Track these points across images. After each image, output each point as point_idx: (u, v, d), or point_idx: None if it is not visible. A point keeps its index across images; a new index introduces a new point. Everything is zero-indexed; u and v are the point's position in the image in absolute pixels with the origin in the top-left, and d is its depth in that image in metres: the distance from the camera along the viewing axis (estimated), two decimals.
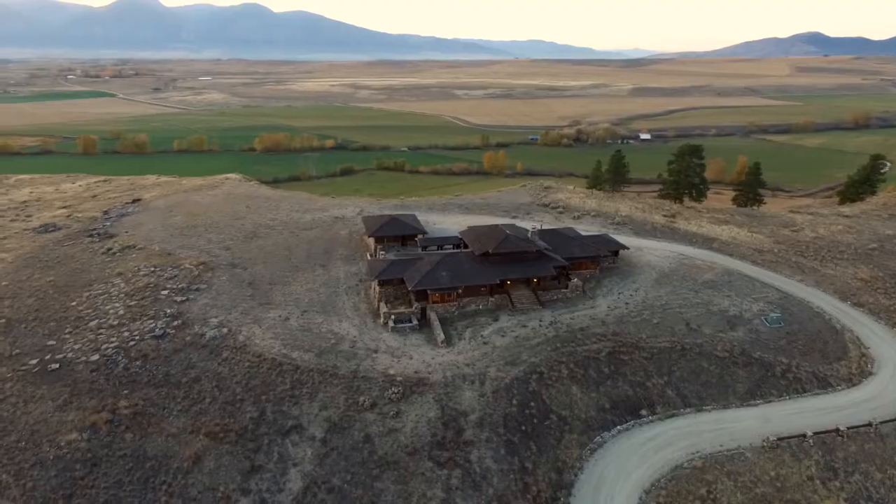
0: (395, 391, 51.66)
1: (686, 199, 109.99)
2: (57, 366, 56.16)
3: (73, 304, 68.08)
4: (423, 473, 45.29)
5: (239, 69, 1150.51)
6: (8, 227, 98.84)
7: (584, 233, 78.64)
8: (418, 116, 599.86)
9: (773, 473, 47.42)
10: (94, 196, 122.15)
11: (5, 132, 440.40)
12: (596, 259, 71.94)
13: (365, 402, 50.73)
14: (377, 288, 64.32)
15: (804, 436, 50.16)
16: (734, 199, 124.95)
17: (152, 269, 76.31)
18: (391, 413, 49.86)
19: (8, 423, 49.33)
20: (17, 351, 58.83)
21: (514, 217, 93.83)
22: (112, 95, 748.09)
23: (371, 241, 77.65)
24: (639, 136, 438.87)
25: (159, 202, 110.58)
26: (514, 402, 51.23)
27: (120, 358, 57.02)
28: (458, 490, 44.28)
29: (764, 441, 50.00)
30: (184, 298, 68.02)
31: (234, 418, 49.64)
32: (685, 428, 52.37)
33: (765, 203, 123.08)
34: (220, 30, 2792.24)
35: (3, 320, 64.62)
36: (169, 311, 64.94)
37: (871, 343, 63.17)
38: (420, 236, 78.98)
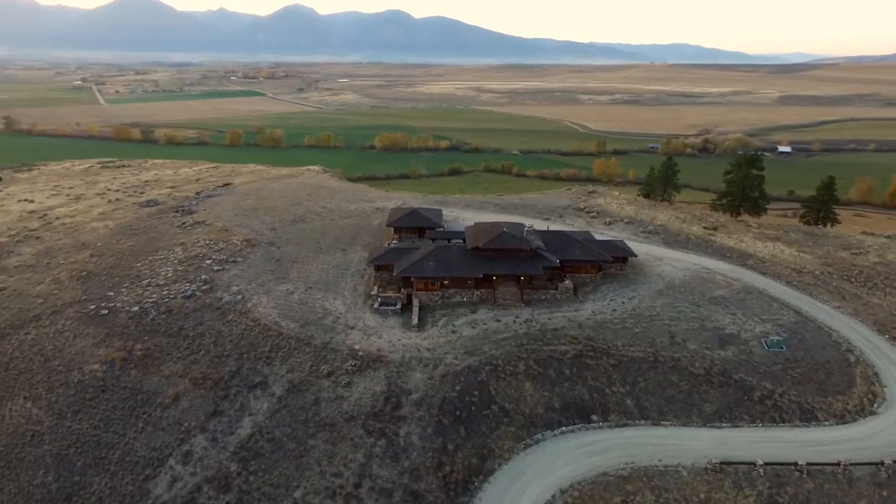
0: (353, 364, 56.32)
1: (744, 214, 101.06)
2: (106, 312, 68.32)
3: (138, 265, 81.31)
4: (352, 439, 49.45)
5: (375, 72, 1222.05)
6: (123, 201, 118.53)
7: (599, 237, 77.29)
8: (537, 120, 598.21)
9: (703, 496, 44.97)
10: (198, 179, 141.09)
11: (175, 125, 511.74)
12: (596, 263, 70.74)
13: (324, 370, 56.01)
14: (373, 272, 69.34)
15: (753, 464, 46.65)
16: (801, 217, 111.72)
17: (208, 241, 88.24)
18: (343, 382, 54.60)
19: (57, 351, 61.56)
20: (84, 297, 72.26)
21: (546, 219, 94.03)
22: (263, 95, 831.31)
23: (391, 230, 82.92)
24: (776, 149, 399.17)
25: (243, 187, 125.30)
26: (458, 388, 53.43)
27: (152, 311, 67.93)
28: (378, 458, 47.82)
29: (708, 463, 47.35)
30: (220, 268, 78.30)
31: (217, 370, 57.45)
32: (631, 439, 51.01)
33: (839, 223, 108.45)
34: (364, 35, 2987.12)
35: (85, 273, 79.28)
36: (204, 277, 75.36)
37: (892, 382, 55.82)
38: (438, 229, 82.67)
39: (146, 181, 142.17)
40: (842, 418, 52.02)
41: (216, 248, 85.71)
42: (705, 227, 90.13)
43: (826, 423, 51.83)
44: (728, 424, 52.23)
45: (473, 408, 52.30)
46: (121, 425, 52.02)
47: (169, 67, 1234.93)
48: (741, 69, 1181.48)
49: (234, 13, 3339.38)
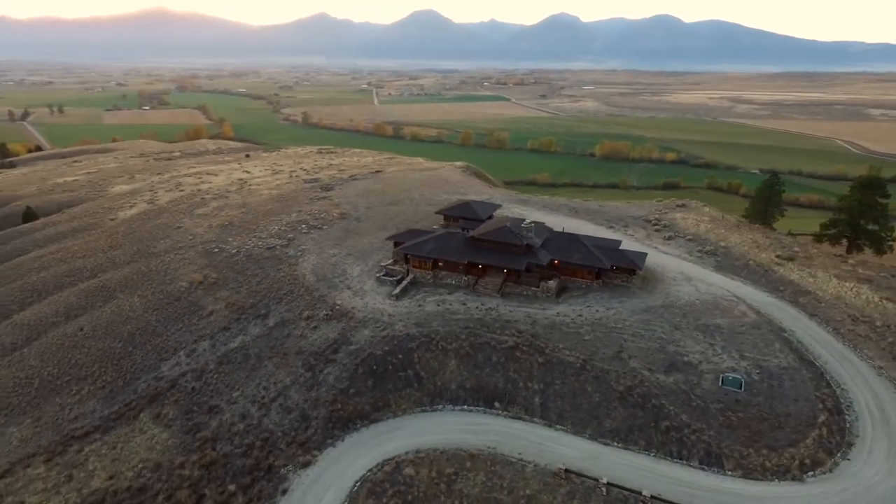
0: (327, 314, 67.77)
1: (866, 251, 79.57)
2: (216, 251, 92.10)
3: (262, 222, 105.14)
4: (290, 367, 61.03)
5: (626, 79, 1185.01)
6: (298, 178, 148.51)
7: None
8: (797, 137, 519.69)
9: (528, 493, 44.85)
10: (365, 166, 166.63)
11: (423, 124, 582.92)
12: (593, 269, 68.66)
13: (306, 314, 68.66)
14: (392, 247, 79.39)
15: (597, 481, 44.22)
16: None
17: (317, 211, 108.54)
18: (312, 326, 66.46)
19: (172, 270, 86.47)
20: (213, 239, 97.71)
21: (610, 227, 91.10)
22: (507, 100, 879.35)
23: (441, 217, 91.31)
24: None
25: (387, 175, 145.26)
26: (386, 348, 60.60)
27: (241, 254, 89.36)
28: (297, 385, 58.49)
29: (558, 468, 46.42)
30: (306, 232, 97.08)
31: (245, 300, 74.69)
32: (513, 430, 52.00)
33: None
34: (627, 41, 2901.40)
35: (228, 223, 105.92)
36: (290, 236, 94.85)
37: (861, 459, 44.61)
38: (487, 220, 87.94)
39: (330, 164, 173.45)
40: (754, 473, 44.45)
41: (318, 217, 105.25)
42: (778, 256, 76.13)
43: (731, 472, 45.01)
44: (618, 444, 49.19)
45: (391, 367, 59.09)
46: (171, 323, 72.64)
47: (437, 73, 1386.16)
48: None
49: (503, 24, 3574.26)
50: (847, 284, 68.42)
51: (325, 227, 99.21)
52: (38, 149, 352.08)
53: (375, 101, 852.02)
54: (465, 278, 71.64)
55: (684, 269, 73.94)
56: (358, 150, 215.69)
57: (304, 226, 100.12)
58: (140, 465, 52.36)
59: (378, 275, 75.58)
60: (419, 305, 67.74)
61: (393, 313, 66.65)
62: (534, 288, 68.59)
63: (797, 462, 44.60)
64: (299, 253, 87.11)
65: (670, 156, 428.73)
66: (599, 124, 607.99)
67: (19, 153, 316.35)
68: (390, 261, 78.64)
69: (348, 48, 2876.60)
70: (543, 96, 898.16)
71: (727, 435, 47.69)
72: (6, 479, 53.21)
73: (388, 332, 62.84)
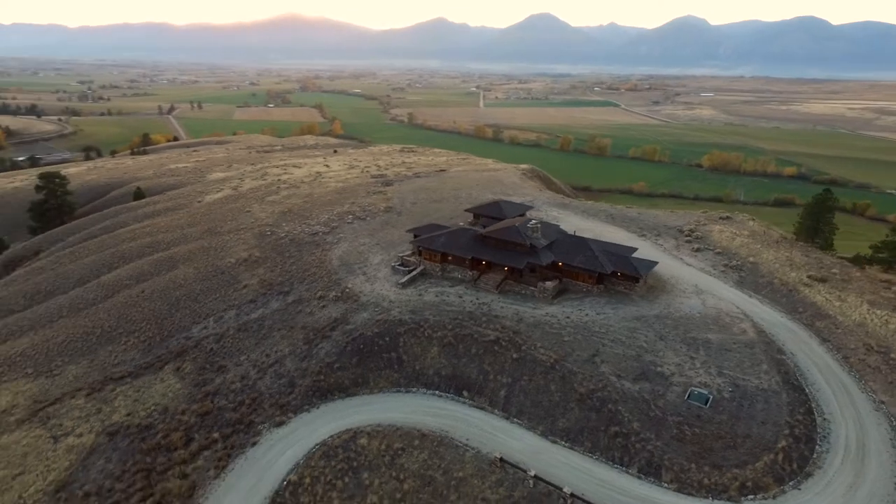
0: (336, 295, 73.29)
1: None
2: (269, 233, 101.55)
3: (317, 211, 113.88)
4: (293, 339, 67.12)
5: (753, 87, 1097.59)
6: (368, 173, 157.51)
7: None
8: None
9: (459, 476, 46.73)
10: (433, 164, 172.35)
11: (523, 127, 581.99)
12: (593, 273, 67.90)
13: (320, 294, 74.68)
14: (412, 239, 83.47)
15: (526, 472, 45.02)
16: None
17: (367, 204, 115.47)
18: (321, 305, 72.27)
19: (227, 248, 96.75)
20: (270, 223, 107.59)
21: (642, 235, 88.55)
22: (616, 106, 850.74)
23: (470, 215, 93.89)
24: None
25: (448, 174, 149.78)
26: (376, 331, 64.69)
27: (287, 238, 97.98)
28: (293, 355, 64.33)
29: (494, 457, 47.79)
30: (350, 222, 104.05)
31: (276, 278, 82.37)
32: (471, 418, 53.85)
33: None
34: (758, 45, 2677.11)
35: (287, 211, 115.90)
36: (334, 225, 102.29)
37: (814, 490, 41.39)
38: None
39: (404, 162, 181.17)
40: (689, 488, 42.92)
41: (366, 209, 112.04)
42: (810, 276, 69.33)
43: (666, 485, 43.80)
44: (565, 444, 49.43)
45: (377, 348, 63.14)
46: (211, 293, 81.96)
47: (547, 78, 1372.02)
48: None
49: (623, 27, 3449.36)
50: (878, 312, 61.62)
51: (368, 218, 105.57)
52: (175, 139, 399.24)
53: (481, 103, 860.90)
54: (471, 273, 73.90)
55: (700, 281, 70.66)
56: (437, 150, 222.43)
57: (350, 216, 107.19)
58: (152, 408, 60.81)
59: (393, 264, 79.93)
60: (419, 295, 71.15)
61: (394, 300, 70.65)
62: (532, 287, 69.35)
63: (738, 483, 42.47)
64: (336, 240, 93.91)
65: (789, 170, 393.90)
66: (713, 133, 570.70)
67: (159, 142, 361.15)
68: (409, 252, 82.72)
69: (463, 52, 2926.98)
70: (656, 102, 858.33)
71: (675, 448, 46.31)
72: (55, 406, 64.10)
73: (383, 317, 66.92)
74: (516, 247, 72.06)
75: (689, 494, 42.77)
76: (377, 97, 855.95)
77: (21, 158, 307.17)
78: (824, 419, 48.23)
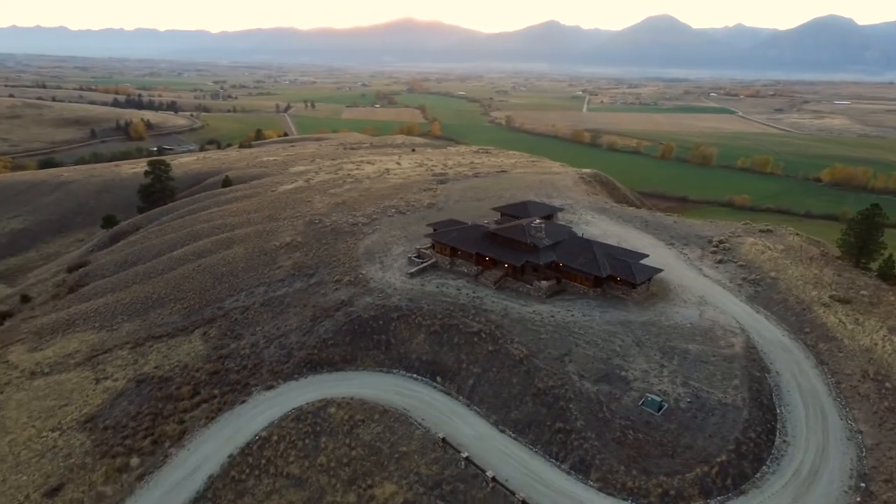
0: (349, 279, 78.76)
1: None
2: (318, 222, 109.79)
3: (366, 204, 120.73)
4: (303, 315, 73.35)
5: None
6: (431, 171, 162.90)
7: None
8: None
9: (404, 449, 49.74)
10: (497, 165, 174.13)
11: (624, 133, 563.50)
12: (590, 276, 67.40)
13: (336, 278, 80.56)
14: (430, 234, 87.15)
15: (459, 452, 46.97)
16: None
17: (413, 200, 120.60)
18: (334, 288, 78.08)
19: (276, 232, 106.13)
20: (321, 214, 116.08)
21: (669, 244, 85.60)
22: (732, 113, 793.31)
23: (498, 214, 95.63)
24: None
25: (507, 175, 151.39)
26: (373, 314, 69.09)
27: (330, 227, 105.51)
28: (298, 330, 70.40)
29: (438, 437, 50.19)
30: (391, 215, 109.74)
31: (307, 262, 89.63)
32: (434, 401, 56.67)
33: None
34: None
35: (342, 202, 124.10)
36: (375, 217, 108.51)
37: None
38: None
39: (472, 162, 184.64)
40: (611, 489, 42.69)
41: (410, 204, 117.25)
42: (832, 296, 62.88)
43: (591, 483, 43.84)
44: (511, 432, 50.73)
45: (369, 330, 67.58)
46: (250, 271, 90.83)
47: (659, 82, 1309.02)
48: None
49: (751, 28, 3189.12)
50: (894, 339, 55.49)
51: (408, 212, 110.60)
52: (285, 135, 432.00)
53: (584, 108, 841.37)
54: (475, 268, 76.14)
55: (708, 293, 67.59)
56: (511, 152, 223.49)
57: (393, 210, 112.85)
58: (175, 364, 69.69)
59: (410, 255, 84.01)
60: (422, 285, 74.65)
61: (398, 288, 74.77)
62: (528, 286, 70.30)
63: (661, 490, 41.66)
64: (371, 231, 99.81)
65: None
66: (842, 145, 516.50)
67: (270, 137, 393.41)
68: (428, 245, 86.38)
69: (573, 55, 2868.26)
70: (779, 110, 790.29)
71: (611, 449, 46.08)
72: (105, 355, 75.27)
73: (382, 303, 71.27)
74: (519, 245, 73.26)
75: (610, 495, 42.69)
76: (479, 100, 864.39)
77: (154, 148, 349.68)
78: (784, 441, 45.48)
